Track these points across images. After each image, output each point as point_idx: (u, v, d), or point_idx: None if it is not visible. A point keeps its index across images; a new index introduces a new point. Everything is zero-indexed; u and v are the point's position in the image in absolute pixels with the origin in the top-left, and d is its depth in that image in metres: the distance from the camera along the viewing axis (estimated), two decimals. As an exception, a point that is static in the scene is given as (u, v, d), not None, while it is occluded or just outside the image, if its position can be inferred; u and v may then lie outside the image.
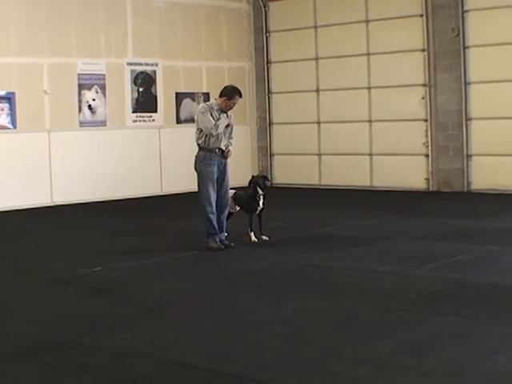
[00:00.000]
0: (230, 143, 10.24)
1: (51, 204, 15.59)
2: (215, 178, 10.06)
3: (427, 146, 16.81)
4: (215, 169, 10.06)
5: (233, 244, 10.18)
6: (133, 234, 11.76)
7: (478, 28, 15.97)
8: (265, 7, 18.93)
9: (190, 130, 17.79)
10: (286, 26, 18.61)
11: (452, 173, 16.50)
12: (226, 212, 10.30)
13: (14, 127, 15.28)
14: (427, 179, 16.89)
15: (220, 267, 9.12)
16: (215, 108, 10.07)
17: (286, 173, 18.89)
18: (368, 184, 17.58)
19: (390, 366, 5.44)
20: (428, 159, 16.83)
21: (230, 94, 10.08)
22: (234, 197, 10.70)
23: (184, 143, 17.59)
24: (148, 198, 16.71)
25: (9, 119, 15.20)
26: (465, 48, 16.15)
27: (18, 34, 15.32)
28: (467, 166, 16.34)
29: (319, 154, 18.36)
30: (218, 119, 10.02)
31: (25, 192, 15.26)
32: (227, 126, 10.14)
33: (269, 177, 11.02)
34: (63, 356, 5.86)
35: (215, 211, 10.06)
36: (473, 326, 6.38)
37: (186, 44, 17.86)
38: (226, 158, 10.14)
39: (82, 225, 13.13)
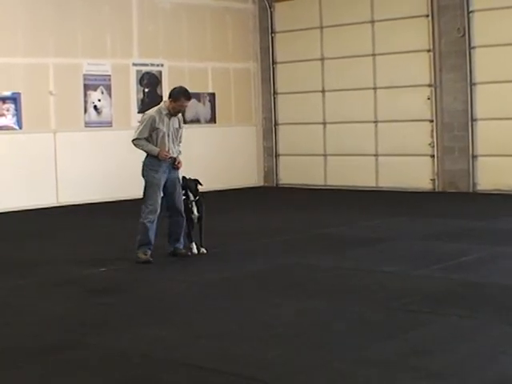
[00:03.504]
0: (179, 151, 9.65)
1: (57, 204, 15.61)
2: (162, 185, 9.48)
3: (433, 147, 16.79)
4: (163, 176, 9.47)
5: (189, 253, 9.68)
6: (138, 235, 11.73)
7: (483, 28, 15.94)
8: (270, 8, 18.92)
9: (195, 131, 17.92)
10: (292, 27, 18.59)
11: (457, 173, 16.47)
12: (183, 220, 9.65)
13: (20, 128, 15.30)
14: (433, 180, 16.86)
15: (223, 268, 9.11)
16: (164, 112, 9.45)
17: (291, 173, 18.87)
18: (373, 184, 17.56)
19: (394, 366, 5.43)
20: (433, 160, 16.80)
21: (176, 96, 9.43)
22: None
23: (189, 144, 17.59)
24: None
25: (14, 120, 15.22)
26: (470, 48, 16.12)
27: (24, 35, 15.34)
28: (473, 167, 16.31)
29: (325, 155, 18.34)
30: (168, 124, 9.44)
31: (30, 192, 15.28)
32: (177, 130, 9.58)
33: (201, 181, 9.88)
34: (65, 356, 5.86)
35: (156, 222, 9.47)
36: (477, 327, 6.37)
37: (192, 44, 17.87)
38: (176, 169, 9.56)
39: (87, 225, 13.14)
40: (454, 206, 14.58)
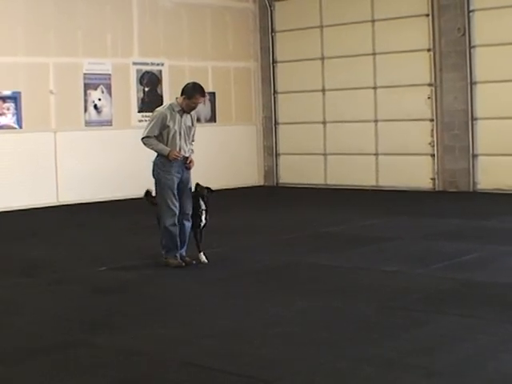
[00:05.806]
0: (192, 150, 9.22)
1: (57, 203, 15.61)
2: (176, 186, 9.00)
3: (433, 146, 16.79)
4: (176, 177, 8.99)
5: (194, 261, 9.12)
6: (138, 234, 11.76)
7: (483, 28, 15.94)
8: (271, 7, 18.92)
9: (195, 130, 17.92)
10: (292, 26, 18.59)
11: (458, 173, 16.48)
12: (189, 224, 9.15)
13: (20, 127, 15.30)
14: (433, 179, 16.86)
15: (224, 267, 9.10)
16: (176, 109, 8.97)
17: (291, 172, 18.87)
18: (374, 184, 17.56)
19: (396, 365, 5.43)
20: (434, 159, 16.80)
21: (190, 92, 8.92)
22: None
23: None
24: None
25: (15, 119, 15.22)
26: (471, 48, 16.12)
27: (25, 34, 15.33)
28: (473, 166, 16.31)
29: (325, 154, 18.34)
30: (180, 122, 8.99)
31: (31, 192, 15.28)
32: (190, 128, 9.13)
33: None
34: (68, 355, 5.87)
35: (177, 223, 9.00)
36: (478, 326, 6.37)
37: (192, 44, 17.87)
38: (188, 168, 9.10)
39: (87, 224, 13.14)
40: (454, 206, 14.58)
